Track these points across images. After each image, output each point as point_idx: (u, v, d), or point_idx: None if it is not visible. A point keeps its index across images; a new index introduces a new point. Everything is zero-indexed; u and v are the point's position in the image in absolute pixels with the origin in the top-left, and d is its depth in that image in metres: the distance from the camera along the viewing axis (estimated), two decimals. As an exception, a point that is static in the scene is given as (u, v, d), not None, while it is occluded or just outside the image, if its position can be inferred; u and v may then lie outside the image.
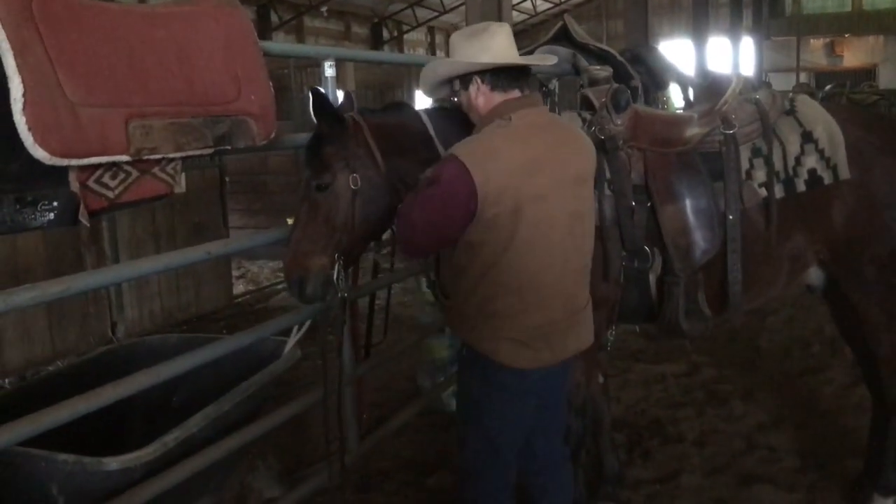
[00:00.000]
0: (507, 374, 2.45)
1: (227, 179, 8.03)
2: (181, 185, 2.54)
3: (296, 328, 3.33)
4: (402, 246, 2.52)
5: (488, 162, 2.27)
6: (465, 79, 2.47)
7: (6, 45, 1.92)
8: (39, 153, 1.98)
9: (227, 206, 7.87)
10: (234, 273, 8.76)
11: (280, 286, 8.53)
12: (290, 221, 4.03)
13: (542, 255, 2.37)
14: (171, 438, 2.64)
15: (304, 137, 2.99)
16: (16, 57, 1.93)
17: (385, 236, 3.31)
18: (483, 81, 2.43)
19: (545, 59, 2.81)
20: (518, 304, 2.38)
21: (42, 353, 5.86)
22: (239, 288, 8.59)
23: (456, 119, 2.68)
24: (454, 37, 2.52)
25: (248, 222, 9.61)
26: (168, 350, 3.35)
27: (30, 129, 1.95)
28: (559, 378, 2.64)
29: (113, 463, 2.48)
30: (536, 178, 2.32)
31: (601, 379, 3.54)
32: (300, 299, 2.76)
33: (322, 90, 2.81)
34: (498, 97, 2.44)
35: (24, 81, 1.94)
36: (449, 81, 2.56)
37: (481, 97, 2.45)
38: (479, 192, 2.24)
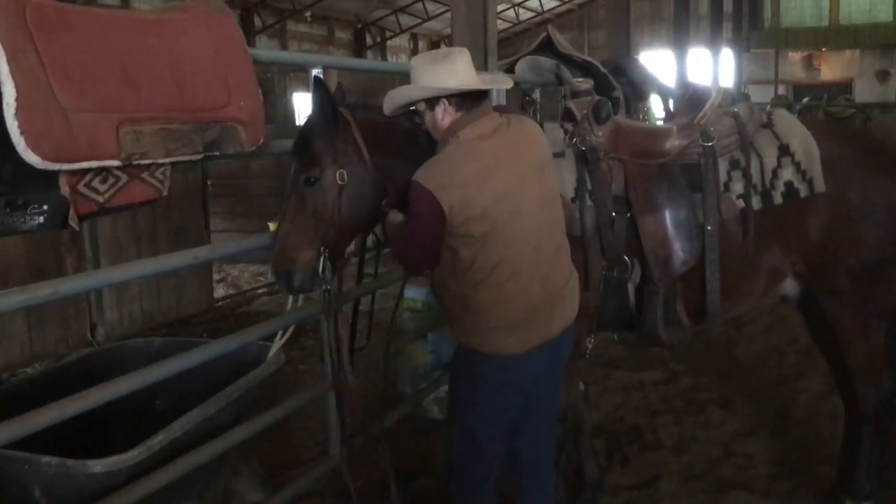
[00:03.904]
0: (491, 366, 2.61)
1: (209, 183, 8.01)
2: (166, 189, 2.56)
3: (280, 333, 3.34)
4: (410, 268, 2.94)
5: (445, 180, 2.47)
6: (431, 101, 2.60)
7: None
8: (31, 157, 1.99)
9: (208, 209, 7.86)
10: (215, 276, 8.74)
11: (261, 290, 8.51)
12: (272, 226, 4.03)
13: (514, 249, 2.53)
14: (155, 442, 2.65)
15: (287, 143, 3.01)
16: (9, 62, 1.95)
17: (369, 244, 3.34)
18: (450, 104, 2.58)
19: (502, 82, 3.21)
20: (498, 296, 2.54)
21: (20, 356, 5.83)
22: (220, 291, 8.57)
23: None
24: (417, 61, 2.66)
25: (230, 226, 9.60)
26: (151, 354, 3.35)
27: (22, 133, 1.96)
28: (546, 374, 2.72)
29: (97, 466, 2.48)
30: (492, 183, 2.49)
31: (581, 386, 3.59)
32: (288, 291, 2.86)
33: (323, 79, 2.84)
34: (459, 116, 2.59)
35: (16, 86, 1.95)
36: (412, 103, 2.69)
37: (447, 117, 2.59)
38: (445, 207, 2.44)
